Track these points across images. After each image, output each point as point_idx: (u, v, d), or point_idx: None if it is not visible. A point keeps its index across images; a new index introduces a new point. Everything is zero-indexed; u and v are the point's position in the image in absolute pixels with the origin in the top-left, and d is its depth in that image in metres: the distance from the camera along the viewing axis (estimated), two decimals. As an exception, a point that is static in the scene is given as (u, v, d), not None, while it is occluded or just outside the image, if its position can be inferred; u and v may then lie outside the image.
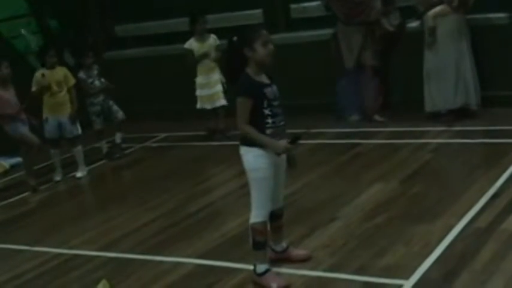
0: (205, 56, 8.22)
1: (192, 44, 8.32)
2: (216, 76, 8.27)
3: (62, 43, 9.57)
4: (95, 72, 8.35)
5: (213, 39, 8.30)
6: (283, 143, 4.27)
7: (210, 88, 8.31)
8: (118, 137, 8.55)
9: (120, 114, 8.42)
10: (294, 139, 4.27)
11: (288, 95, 7.24)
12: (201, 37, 8.30)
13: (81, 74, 8.29)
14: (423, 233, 4.87)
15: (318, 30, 8.82)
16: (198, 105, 8.41)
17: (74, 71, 8.27)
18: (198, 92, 8.39)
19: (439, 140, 7.14)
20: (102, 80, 8.35)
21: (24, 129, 7.59)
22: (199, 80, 8.35)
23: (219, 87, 8.28)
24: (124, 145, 8.63)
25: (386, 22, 8.12)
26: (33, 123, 7.72)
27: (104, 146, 8.55)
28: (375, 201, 5.67)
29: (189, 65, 8.30)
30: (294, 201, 5.82)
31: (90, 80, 8.29)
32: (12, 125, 7.54)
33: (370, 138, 7.59)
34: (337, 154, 7.14)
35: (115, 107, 8.42)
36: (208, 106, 8.36)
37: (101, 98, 8.34)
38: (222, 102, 8.29)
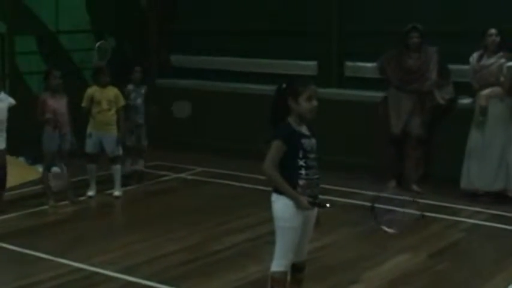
0: None
1: None
2: None
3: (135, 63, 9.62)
4: (142, 91, 8.53)
5: None
6: (304, 199, 4.26)
7: None
8: (140, 164, 8.65)
9: (146, 143, 8.55)
10: (320, 205, 4.31)
11: (331, 150, 7.39)
12: None
13: (130, 86, 8.48)
14: (443, 312, 4.80)
15: (368, 92, 8.86)
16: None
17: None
18: None
19: (473, 221, 7.05)
20: (151, 105, 8.49)
21: (51, 146, 7.42)
22: None
23: None
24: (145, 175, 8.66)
25: (438, 94, 8.12)
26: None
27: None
28: (399, 271, 5.60)
29: None
30: (318, 257, 5.78)
31: (134, 95, 8.46)
32: (45, 135, 7.44)
33: (404, 207, 7.51)
34: (369, 217, 7.05)
35: (144, 135, 8.55)
36: None
37: (138, 118, 8.46)
38: None
